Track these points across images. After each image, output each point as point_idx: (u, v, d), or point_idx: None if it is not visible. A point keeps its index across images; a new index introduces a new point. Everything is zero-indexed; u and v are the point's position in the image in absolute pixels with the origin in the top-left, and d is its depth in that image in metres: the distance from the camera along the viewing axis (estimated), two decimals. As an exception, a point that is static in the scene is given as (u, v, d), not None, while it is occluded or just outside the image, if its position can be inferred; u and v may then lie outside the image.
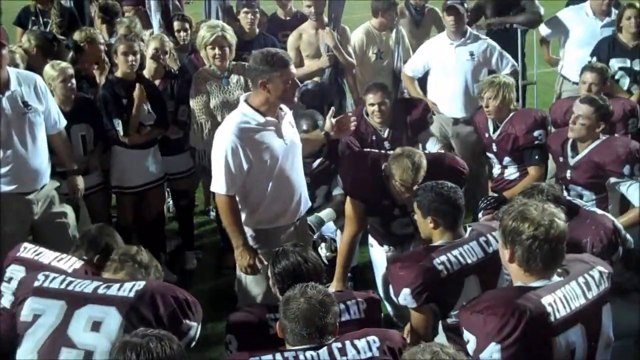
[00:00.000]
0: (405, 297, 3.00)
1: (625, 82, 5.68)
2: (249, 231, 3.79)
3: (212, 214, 5.88)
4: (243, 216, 3.78)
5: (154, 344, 2.24)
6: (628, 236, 3.46)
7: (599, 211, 3.54)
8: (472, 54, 5.56)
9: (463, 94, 5.56)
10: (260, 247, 3.77)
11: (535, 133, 4.71)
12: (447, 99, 5.64)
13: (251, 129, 3.62)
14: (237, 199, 3.72)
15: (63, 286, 2.73)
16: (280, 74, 3.56)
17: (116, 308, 2.61)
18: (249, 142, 3.61)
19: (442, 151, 4.82)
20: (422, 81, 5.93)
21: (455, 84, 5.58)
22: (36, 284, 2.76)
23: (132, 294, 2.64)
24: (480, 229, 3.22)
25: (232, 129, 3.62)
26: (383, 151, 4.34)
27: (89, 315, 2.61)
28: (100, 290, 2.68)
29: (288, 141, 3.74)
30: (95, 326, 2.58)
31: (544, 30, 6.45)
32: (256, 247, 3.78)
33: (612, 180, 4.21)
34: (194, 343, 2.79)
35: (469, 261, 3.04)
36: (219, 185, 3.67)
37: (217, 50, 4.96)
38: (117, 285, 2.70)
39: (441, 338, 3.18)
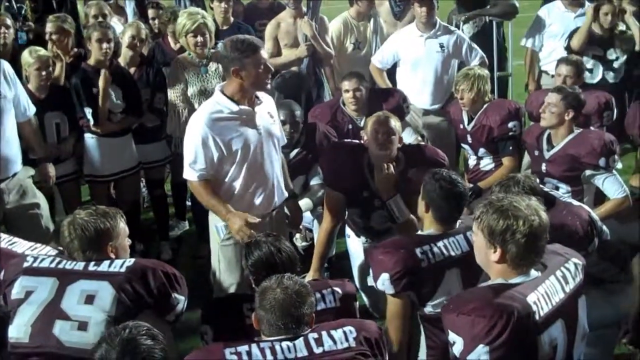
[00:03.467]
0: (383, 282, 2.98)
1: (599, 71, 5.77)
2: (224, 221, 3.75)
3: (188, 203, 5.82)
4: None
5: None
6: (604, 227, 3.46)
7: (575, 202, 3.53)
8: (442, 46, 5.53)
9: (433, 85, 5.56)
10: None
11: (510, 124, 4.74)
12: (417, 91, 5.59)
13: (223, 117, 3.58)
14: None
15: (53, 265, 2.82)
16: (251, 60, 3.52)
17: (109, 282, 2.70)
18: (220, 131, 3.57)
19: (422, 142, 4.83)
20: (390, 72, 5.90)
21: (425, 75, 5.56)
22: (25, 264, 2.84)
23: (123, 269, 2.75)
24: (470, 223, 3.19)
25: (203, 118, 3.58)
26: (361, 141, 4.32)
27: (82, 289, 2.71)
28: (91, 267, 2.78)
29: (262, 130, 3.69)
30: (89, 299, 2.68)
31: (528, 42, 6.39)
32: (230, 236, 3.74)
33: (588, 172, 4.23)
34: (181, 317, 2.88)
35: (453, 254, 3.02)
36: (190, 173, 3.63)
37: (199, 38, 4.92)
38: (107, 262, 2.79)
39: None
